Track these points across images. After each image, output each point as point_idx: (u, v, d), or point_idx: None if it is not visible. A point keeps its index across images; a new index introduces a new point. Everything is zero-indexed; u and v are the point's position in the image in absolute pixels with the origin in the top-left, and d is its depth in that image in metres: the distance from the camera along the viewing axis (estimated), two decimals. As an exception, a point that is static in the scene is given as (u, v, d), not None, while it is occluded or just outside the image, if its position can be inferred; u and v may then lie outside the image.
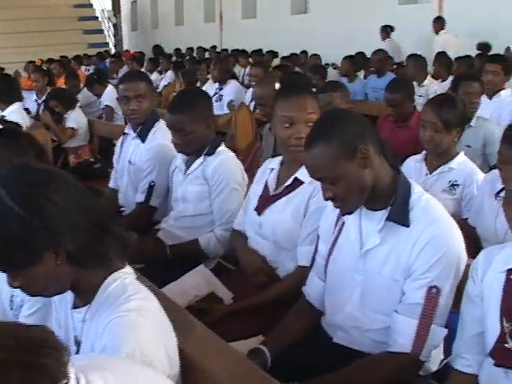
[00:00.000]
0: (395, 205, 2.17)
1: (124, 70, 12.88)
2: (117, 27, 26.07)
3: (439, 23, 11.41)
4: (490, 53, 8.71)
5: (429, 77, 7.74)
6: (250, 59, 13.45)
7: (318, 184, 2.27)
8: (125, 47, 24.94)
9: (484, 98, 5.37)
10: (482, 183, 3.34)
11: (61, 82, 9.89)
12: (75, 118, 6.65)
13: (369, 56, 10.49)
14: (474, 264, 2.03)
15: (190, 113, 3.28)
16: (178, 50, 17.95)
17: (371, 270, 2.23)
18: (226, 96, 8.33)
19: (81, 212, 1.68)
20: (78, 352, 1.77)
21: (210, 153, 3.35)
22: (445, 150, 3.53)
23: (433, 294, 2.10)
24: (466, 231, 2.83)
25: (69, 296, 1.87)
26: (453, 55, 8.90)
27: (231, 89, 8.41)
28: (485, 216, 3.18)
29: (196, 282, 2.96)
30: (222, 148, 3.41)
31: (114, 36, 26.08)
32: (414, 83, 6.77)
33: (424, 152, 3.67)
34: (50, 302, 2.03)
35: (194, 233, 3.38)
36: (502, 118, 5.27)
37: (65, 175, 1.76)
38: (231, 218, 3.26)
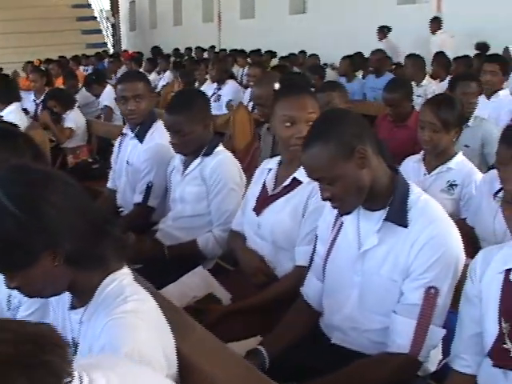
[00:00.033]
0: (393, 205, 2.17)
1: (122, 70, 12.90)
2: (115, 27, 26.06)
3: (436, 23, 11.43)
4: (489, 53, 8.70)
5: (427, 77, 7.74)
6: (249, 59, 13.45)
7: (316, 184, 2.26)
8: (123, 47, 24.92)
9: (482, 98, 5.37)
10: (480, 183, 3.34)
11: (59, 83, 9.89)
12: (73, 118, 6.64)
13: (367, 56, 10.48)
14: (472, 264, 2.03)
15: (187, 113, 3.27)
16: (176, 50, 17.97)
17: (369, 271, 2.23)
18: (225, 96, 8.33)
19: (78, 213, 1.68)
20: (75, 353, 1.77)
21: (208, 153, 3.35)
22: (443, 150, 3.53)
23: (431, 294, 2.09)
24: (465, 231, 2.84)
25: (66, 297, 1.86)
26: (450, 55, 8.91)
27: (229, 89, 8.41)
28: (483, 216, 3.18)
29: (194, 283, 2.96)
30: (220, 148, 3.41)
31: (113, 36, 26.07)
32: (413, 83, 6.78)
33: (422, 152, 3.67)
34: (48, 303, 2.03)
35: (192, 233, 3.38)
36: (500, 118, 5.27)
37: (63, 176, 1.75)
38: (229, 218, 3.26)
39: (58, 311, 1.94)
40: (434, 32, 11.42)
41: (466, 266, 2.11)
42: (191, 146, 3.34)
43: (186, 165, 3.46)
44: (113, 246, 1.77)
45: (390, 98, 4.99)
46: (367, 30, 12.52)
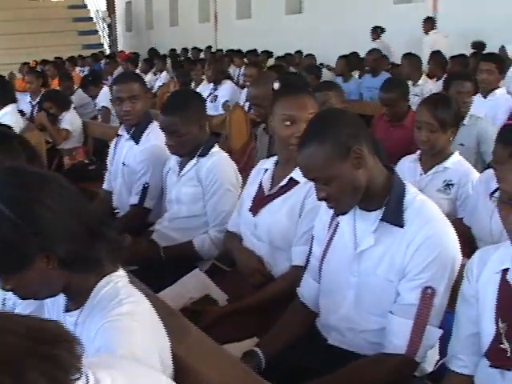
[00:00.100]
0: (389, 205, 2.16)
1: (119, 70, 12.86)
2: (111, 28, 26.05)
3: (429, 23, 11.49)
4: (485, 52, 8.70)
5: (424, 76, 7.73)
6: (245, 59, 13.44)
7: (313, 184, 2.26)
8: (119, 48, 24.91)
9: (479, 97, 5.38)
10: (476, 183, 3.33)
11: (55, 84, 9.88)
12: (69, 120, 6.63)
13: (363, 56, 10.48)
14: (469, 264, 2.03)
15: (183, 114, 3.26)
16: (172, 51, 17.95)
17: (366, 271, 2.22)
18: (221, 97, 8.31)
19: (74, 216, 1.67)
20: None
21: (204, 154, 3.35)
22: (440, 150, 3.53)
23: (428, 294, 2.09)
24: (461, 231, 2.84)
25: (61, 299, 1.86)
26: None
27: (226, 89, 8.39)
28: (480, 216, 3.17)
29: (191, 285, 2.96)
30: (216, 149, 3.40)
31: (109, 37, 26.05)
32: (409, 82, 6.77)
33: (418, 152, 3.66)
34: (43, 305, 2.02)
35: (188, 234, 3.37)
36: (497, 116, 5.27)
37: (58, 178, 1.74)
38: (225, 219, 3.25)
39: (53, 313, 1.94)
40: (427, 32, 11.46)
41: (463, 265, 2.11)
42: (187, 147, 3.33)
43: (181, 166, 3.45)
44: (108, 249, 1.76)
45: (386, 97, 4.98)
46: (364, 30, 12.53)
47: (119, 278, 1.78)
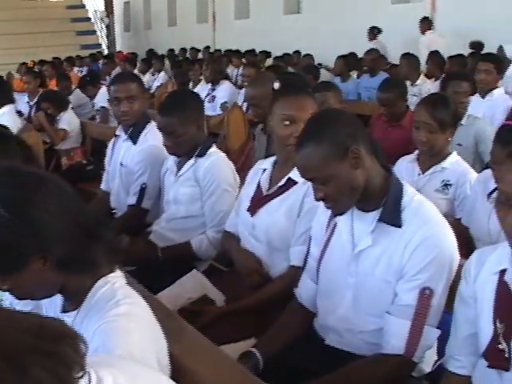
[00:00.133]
0: (387, 205, 2.16)
1: (117, 71, 12.85)
2: (109, 28, 26.02)
3: (426, 23, 11.50)
4: (483, 52, 8.70)
5: (422, 76, 7.73)
6: (244, 59, 13.44)
7: (311, 184, 2.25)
8: (118, 48, 24.89)
9: (477, 97, 5.38)
10: (474, 183, 3.33)
11: (53, 84, 9.88)
12: (67, 120, 6.63)
13: (361, 56, 10.49)
14: (466, 265, 2.03)
15: (180, 115, 3.26)
16: (171, 51, 17.94)
17: (363, 272, 2.22)
18: (219, 97, 8.29)
19: (70, 217, 1.66)
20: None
21: (201, 154, 3.34)
22: (438, 150, 3.52)
23: (425, 295, 2.08)
24: (459, 231, 2.84)
25: (58, 300, 1.85)
26: (440, 55, 8.92)
27: (224, 89, 8.37)
28: (478, 216, 3.17)
29: (188, 285, 2.95)
30: (214, 149, 3.40)
31: (107, 37, 26.03)
32: (408, 82, 6.78)
33: (416, 152, 3.66)
34: (40, 306, 2.02)
35: (185, 235, 3.37)
36: (495, 117, 5.26)
37: (55, 179, 1.73)
38: (223, 219, 3.25)
39: (50, 313, 1.93)
40: (423, 32, 11.47)
41: (461, 266, 2.10)
42: (184, 148, 3.33)
43: (179, 166, 3.45)
44: (105, 249, 1.76)
45: (384, 97, 4.98)
46: (362, 30, 12.53)
47: (116, 279, 1.77)
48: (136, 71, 12.46)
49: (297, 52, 13.96)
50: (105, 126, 7.45)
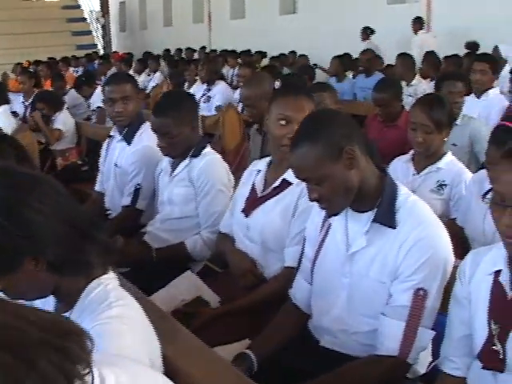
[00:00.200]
0: (381, 206, 2.15)
1: (112, 71, 12.84)
2: (105, 28, 26.01)
3: (418, 23, 11.57)
4: (479, 52, 8.71)
5: (417, 76, 7.73)
6: (239, 60, 13.44)
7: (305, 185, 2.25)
8: (113, 48, 24.88)
9: (472, 97, 5.38)
10: (469, 183, 3.32)
11: (48, 84, 9.87)
12: (62, 120, 6.62)
13: (357, 56, 10.49)
14: (461, 266, 2.02)
15: (175, 115, 3.25)
16: (167, 51, 17.93)
17: (358, 273, 2.21)
18: (214, 97, 8.28)
19: (64, 219, 1.65)
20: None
21: (196, 155, 3.34)
22: (434, 151, 3.52)
23: (420, 296, 2.08)
24: (454, 231, 2.83)
25: (51, 300, 1.84)
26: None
27: (219, 90, 8.35)
28: (473, 216, 3.16)
29: (183, 287, 2.94)
30: (208, 150, 3.39)
31: (103, 37, 26.02)
32: (403, 83, 6.77)
33: (411, 152, 3.65)
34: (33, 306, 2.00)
35: (180, 235, 3.36)
36: (490, 117, 5.27)
37: (50, 180, 1.72)
38: (217, 220, 3.24)
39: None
40: (416, 32, 11.50)
41: (455, 267, 2.10)
42: (179, 148, 3.32)
43: (173, 166, 3.44)
44: (99, 251, 1.75)
45: (379, 97, 4.97)
46: (358, 30, 12.56)
47: (109, 281, 1.76)
48: (131, 71, 12.47)
49: (292, 52, 13.98)
50: (100, 126, 7.43)
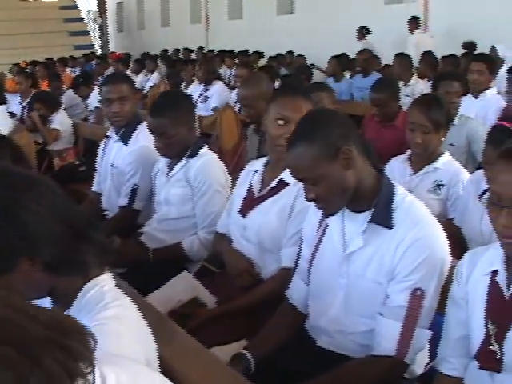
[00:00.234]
0: (378, 206, 2.15)
1: (110, 71, 12.84)
2: (103, 28, 25.99)
3: (414, 23, 11.59)
4: (476, 52, 8.71)
5: (415, 76, 7.74)
6: (237, 60, 13.44)
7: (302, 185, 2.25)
8: (111, 49, 24.88)
9: (469, 97, 5.38)
10: (467, 183, 3.32)
11: (45, 85, 9.85)
12: (59, 120, 6.61)
13: (354, 56, 10.50)
14: (458, 266, 2.02)
15: (172, 115, 3.24)
16: (164, 51, 17.93)
17: (355, 273, 2.21)
18: (212, 97, 8.28)
19: (60, 220, 1.64)
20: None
21: (193, 155, 3.33)
22: (432, 151, 3.51)
23: (417, 296, 2.07)
24: (452, 231, 2.83)
25: (47, 302, 1.83)
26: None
27: (216, 90, 8.35)
28: (470, 216, 3.16)
29: (179, 287, 2.93)
30: (205, 150, 3.39)
31: (100, 37, 26.01)
32: (400, 83, 6.77)
33: (408, 152, 3.65)
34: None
35: (177, 236, 3.36)
36: (487, 117, 5.27)
37: (46, 180, 1.72)
38: (214, 220, 3.24)
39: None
40: (412, 31, 11.51)
41: (453, 267, 2.10)
42: (176, 149, 3.32)
43: (170, 167, 3.43)
44: (96, 251, 1.74)
45: (376, 97, 4.97)
46: (355, 31, 12.54)
47: (105, 282, 1.75)
48: (129, 72, 12.46)
49: (290, 52, 13.98)
50: (97, 126, 7.42)
